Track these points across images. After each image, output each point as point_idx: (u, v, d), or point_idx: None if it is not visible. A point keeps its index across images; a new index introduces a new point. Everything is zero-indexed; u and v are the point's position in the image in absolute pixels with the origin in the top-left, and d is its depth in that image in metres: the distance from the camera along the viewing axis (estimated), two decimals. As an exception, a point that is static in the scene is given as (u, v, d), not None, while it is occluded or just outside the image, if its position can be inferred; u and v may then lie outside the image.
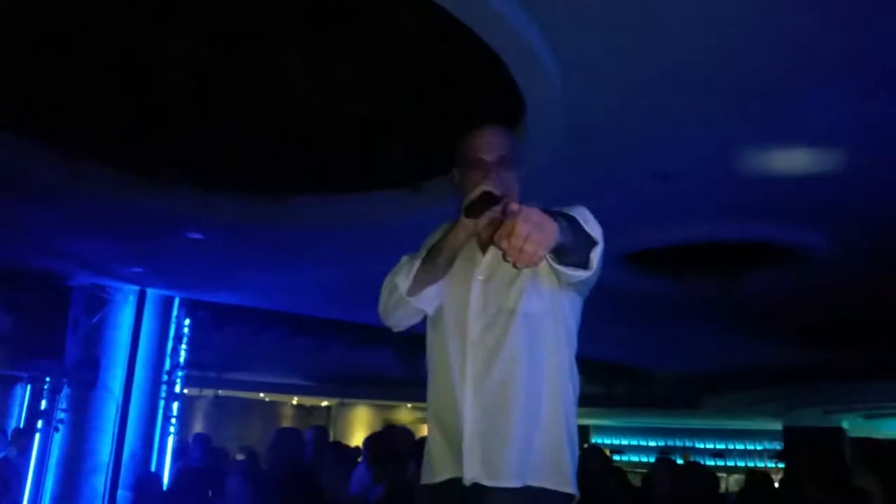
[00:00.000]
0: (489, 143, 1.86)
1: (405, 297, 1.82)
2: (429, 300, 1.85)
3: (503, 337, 1.78)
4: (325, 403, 18.48)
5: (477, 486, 1.74)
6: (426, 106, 3.68)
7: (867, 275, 5.90)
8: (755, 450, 17.20)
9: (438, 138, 3.79)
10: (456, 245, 1.78)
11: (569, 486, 1.79)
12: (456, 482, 1.78)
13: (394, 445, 4.38)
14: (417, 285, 1.81)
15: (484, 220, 1.73)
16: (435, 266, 1.80)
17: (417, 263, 1.81)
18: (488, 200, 1.69)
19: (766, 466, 15.01)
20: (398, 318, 1.90)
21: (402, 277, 1.82)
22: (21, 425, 12.22)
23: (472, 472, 1.74)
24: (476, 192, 1.71)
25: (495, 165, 1.82)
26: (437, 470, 1.85)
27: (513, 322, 1.78)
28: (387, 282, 1.88)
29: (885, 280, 5.97)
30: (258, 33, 3.18)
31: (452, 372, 1.81)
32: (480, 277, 1.83)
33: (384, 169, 4.28)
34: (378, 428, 9.22)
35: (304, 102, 3.60)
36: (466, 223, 1.74)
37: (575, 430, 1.86)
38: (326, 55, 3.32)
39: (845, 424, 14.14)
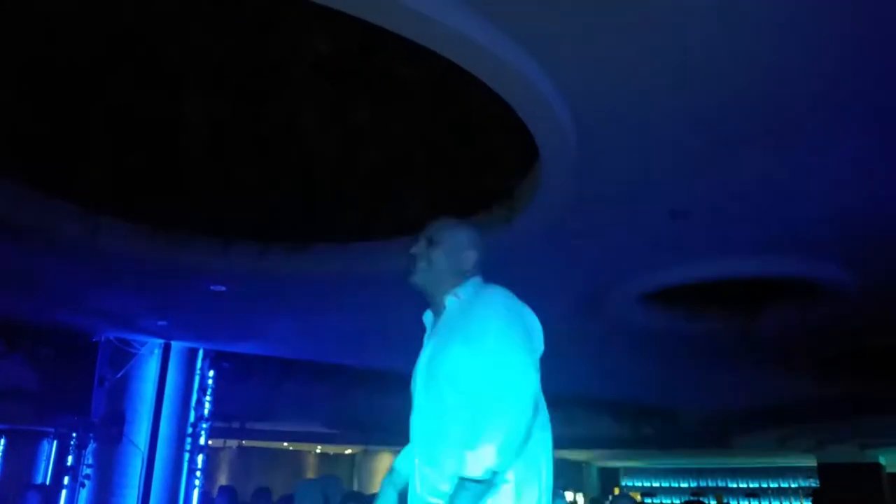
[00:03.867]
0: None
1: None
2: None
3: None
4: (349, 451, 18.31)
5: None
6: (442, 153, 3.73)
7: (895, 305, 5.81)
8: (790, 487, 16.75)
9: (454, 184, 3.83)
10: None
11: None
12: None
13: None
14: None
15: None
16: None
17: None
18: None
19: (802, 505, 14.61)
20: None
21: None
22: (48, 481, 12.23)
23: None
24: None
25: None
26: None
27: None
28: None
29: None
30: (273, 87, 3.25)
31: None
32: None
33: (401, 216, 4.32)
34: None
35: (320, 152, 3.66)
36: None
37: None
38: (340, 105, 3.38)
39: (883, 460, 13.75)
